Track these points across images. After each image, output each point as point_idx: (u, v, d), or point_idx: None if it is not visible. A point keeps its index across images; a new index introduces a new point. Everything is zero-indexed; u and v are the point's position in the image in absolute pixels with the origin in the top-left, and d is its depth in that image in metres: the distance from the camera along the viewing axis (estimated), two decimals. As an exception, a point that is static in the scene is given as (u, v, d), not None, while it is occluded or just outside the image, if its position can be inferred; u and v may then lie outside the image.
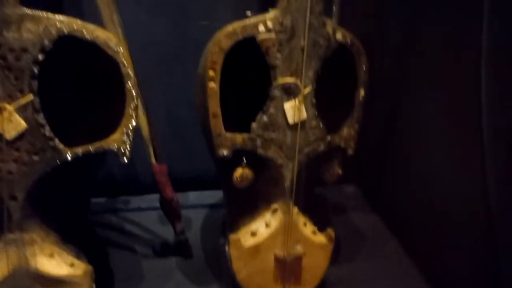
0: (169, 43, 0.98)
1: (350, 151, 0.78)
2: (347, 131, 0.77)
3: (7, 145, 0.60)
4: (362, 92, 0.76)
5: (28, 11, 0.59)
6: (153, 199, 0.92)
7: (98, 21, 0.70)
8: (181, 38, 0.97)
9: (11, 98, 0.59)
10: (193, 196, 1.10)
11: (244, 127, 0.71)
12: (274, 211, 0.75)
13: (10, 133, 0.60)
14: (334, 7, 0.87)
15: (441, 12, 0.86)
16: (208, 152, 0.75)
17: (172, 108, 1.05)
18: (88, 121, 0.75)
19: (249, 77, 0.76)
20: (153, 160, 0.80)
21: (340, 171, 0.79)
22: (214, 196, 1.09)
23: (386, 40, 1.03)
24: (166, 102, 1.03)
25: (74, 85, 0.75)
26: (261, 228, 0.75)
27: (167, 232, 0.94)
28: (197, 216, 1.03)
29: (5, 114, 0.59)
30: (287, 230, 0.75)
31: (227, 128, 0.70)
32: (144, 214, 1.03)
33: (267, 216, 0.75)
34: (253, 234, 0.75)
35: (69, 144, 0.64)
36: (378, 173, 1.13)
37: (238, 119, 0.71)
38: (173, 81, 1.01)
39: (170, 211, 0.84)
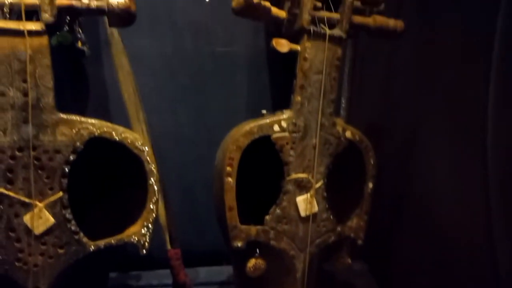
0: (187, 128, 1.04)
1: (359, 242, 0.80)
2: (357, 222, 0.80)
3: (35, 239, 0.64)
4: (370, 185, 0.80)
5: (63, 115, 0.63)
6: (164, 274, 0.94)
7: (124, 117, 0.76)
8: (198, 124, 1.03)
9: (42, 195, 0.63)
10: (203, 273, 1.11)
11: (257, 213, 0.75)
12: (286, 300, 0.77)
13: (39, 229, 0.63)
14: (343, 100, 0.92)
15: (444, 99, 0.90)
16: (224, 242, 0.78)
17: (186, 185, 1.08)
18: (106, 206, 0.79)
19: (263, 170, 0.80)
20: (168, 246, 0.83)
21: (349, 261, 0.81)
22: (224, 272, 1.10)
23: (391, 129, 1.08)
24: (181, 179, 1.07)
25: (96, 173, 0.79)
26: (273, 317, 0.77)
27: (177, 312, 0.95)
28: (207, 294, 1.04)
29: (36, 210, 0.63)
30: (299, 320, 0.76)
31: (241, 216, 0.72)
32: (155, 291, 1.04)
33: (279, 305, 0.77)
34: (265, 324, 0.76)
35: (84, 226, 0.67)
36: (385, 250, 1.14)
37: (250, 206, 0.75)
38: (189, 162, 1.06)
39: (183, 295, 0.86)
